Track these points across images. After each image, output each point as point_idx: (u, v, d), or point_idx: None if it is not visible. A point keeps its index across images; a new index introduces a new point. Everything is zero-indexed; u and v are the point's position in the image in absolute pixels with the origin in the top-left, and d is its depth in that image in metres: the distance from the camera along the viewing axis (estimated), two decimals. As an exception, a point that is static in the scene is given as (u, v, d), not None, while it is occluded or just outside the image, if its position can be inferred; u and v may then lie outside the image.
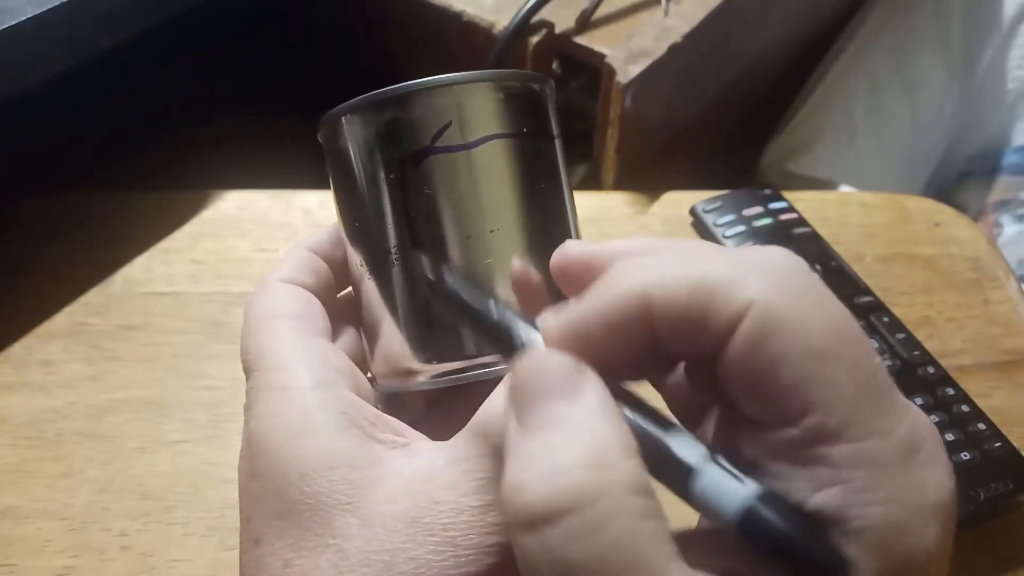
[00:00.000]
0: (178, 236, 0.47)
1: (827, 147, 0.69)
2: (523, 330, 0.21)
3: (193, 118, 0.53)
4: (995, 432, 0.37)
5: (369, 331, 0.27)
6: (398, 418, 0.25)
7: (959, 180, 0.85)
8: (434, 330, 0.25)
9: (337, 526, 0.22)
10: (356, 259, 0.27)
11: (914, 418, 0.17)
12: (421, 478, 0.22)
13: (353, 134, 0.26)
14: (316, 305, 0.27)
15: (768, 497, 0.17)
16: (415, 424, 0.26)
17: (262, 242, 0.47)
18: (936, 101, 0.78)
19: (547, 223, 0.26)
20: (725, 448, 0.18)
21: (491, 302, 0.24)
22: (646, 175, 0.52)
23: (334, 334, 0.28)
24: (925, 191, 0.79)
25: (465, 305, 0.24)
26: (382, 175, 0.25)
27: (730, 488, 0.17)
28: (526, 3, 0.46)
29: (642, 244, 0.20)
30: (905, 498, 0.17)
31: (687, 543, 0.17)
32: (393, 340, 0.26)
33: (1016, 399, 0.41)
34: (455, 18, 0.49)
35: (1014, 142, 0.83)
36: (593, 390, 0.18)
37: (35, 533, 0.35)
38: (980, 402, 0.38)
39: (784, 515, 0.17)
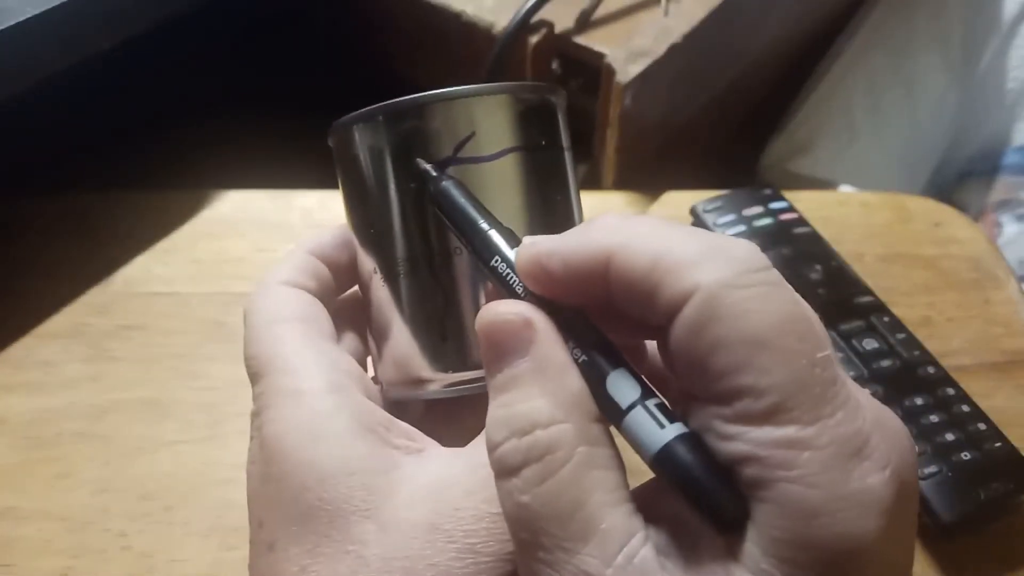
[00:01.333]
0: (177, 236, 0.47)
1: (827, 147, 0.69)
2: (507, 256, 0.22)
3: (193, 118, 0.52)
4: (995, 432, 0.37)
5: (379, 336, 0.27)
6: (403, 419, 0.25)
7: (959, 180, 0.85)
8: (449, 341, 0.25)
9: (355, 532, 0.22)
10: (369, 265, 0.27)
11: (858, 417, 0.18)
12: (440, 484, 0.22)
13: (370, 142, 0.26)
14: (321, 309, 0.27)
15: (686, 441, 0.18)
16: (413, 426, 0.26)
17: (261, 242, 0.47)
18: (936, 101, 0.78)
19: (559, 231, 0.27)
20: (680, 408, 0.20)
21: None
22: (646, 175, 0.52)
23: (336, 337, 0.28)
24: (925, 191, 0.79)
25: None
26: (400, 185, 0.25)
27: (651, 430, 0.18)
28: (526, 3, 0.46)
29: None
30: (821, 482, 0.17)
31: (644, 493, 0.19)
32: (406, 348, 0.26)
33: (1016, 399, 0.41)
34: (455, 18, 0.49)
35: (1014, 142, 0.83)
36: (543, 343, 0.20)
37: (35, 533, 0.35)
38: (980, 402, 0.38)
39: (694, 457, 0.18)
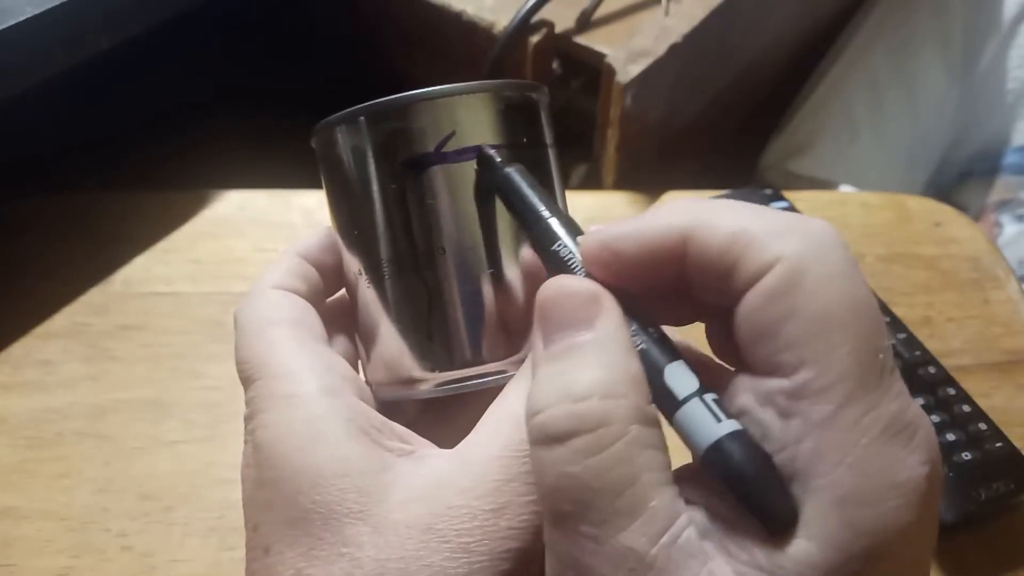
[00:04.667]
0: (178, 236, 0.47)
1: (827, 147, 0.69)
2: (568, 243, 0.22)
3: (193, 118, 0.52)
4: (996, 432, 0.37)
5: (367, 338, 0.27)
6: (396, 420, 0.25)
7: (959, 180, 0.85)
8: (436, 340, 0.25)
9: (349, 535, 0.22)
10: (354, 267, 0.27)
11: (910, 408, 0.18)
12: (433, 484, 0.22)
13: (352, 143, 0.26)
14: (311, 311, 0.27)
15: (740, 438, 0.18)
16: (408, 427, 0.26)
17: (261, 242, 0.47)
18: (936, 101, 0.78)
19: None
20: (722, 395, 0.20)
21: (492, 311, 0.24)
22: (646, 175, 0.52)
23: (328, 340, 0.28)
24: (925, 191, 0.79)
25: (467, 315, 0.25)
26: (383, 185, 0.25)
27: (706, 423, 0.19)
28: (526, 3, 0.46)
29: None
30: (873, 469, 0.17)
31: (682, 477, 0.19)
32: (394, 348, 0.26)
33: (1016, 399, 0.41)
34: (455, 18, 0.49)
35: (1014, 142, 0.83)
36: (609, 320, 0.20)
37: (35, 533, 0.35)
38: (981, 402, 0.38)
39: (749, 458, 0.18)
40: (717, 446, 0.18)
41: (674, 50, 0.47)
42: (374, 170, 0.25)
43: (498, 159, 0.25)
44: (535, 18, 0.47)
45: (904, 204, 0.52)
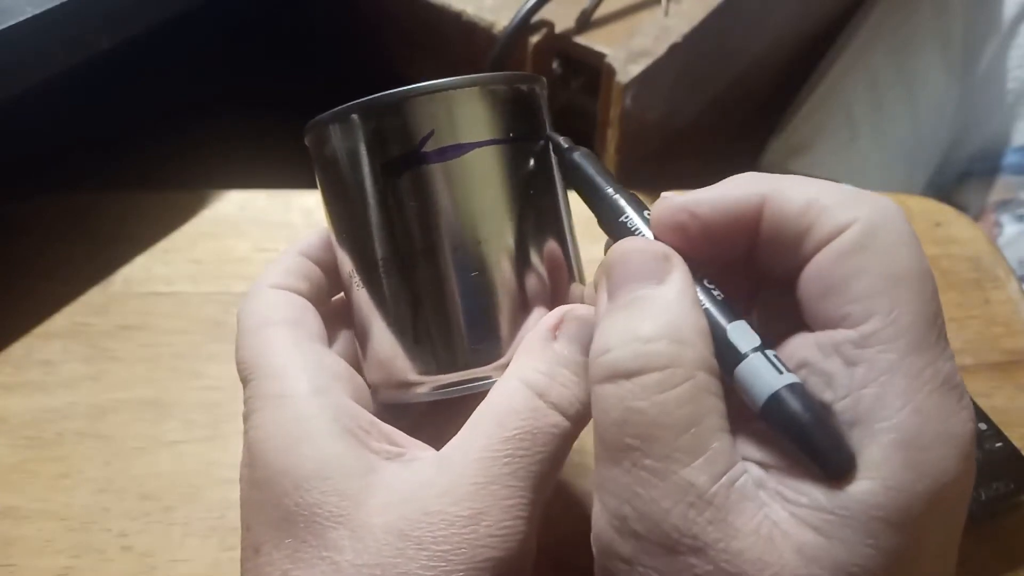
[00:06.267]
0: (178, 236, 0.47)
1: (827, 147, 0.69)
2: (632, 215, 0.24)
3: (193, 118, 0.52)
4: (996, 432, 0.37)
5: (362, 339, 0.27)
6: (399, 422, 0.25)
7: (959, 180, 0.85)
8: (431, 342, 0.25)
9: (330, 538, 0.22)
10: (347, 267, 0.26)
11: (957, 372, 0.20)
12: (412, 488, 0.22)
13: (340, 141, 0.25)
14: (310, 310, 0.27)
15: (798, 390, 0.19)
16: (416, 428, 0.25)
17: (262, 242, 0.47)
18: (936, 101, 0.78)
19: (540, 228, 0.26)
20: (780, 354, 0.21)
21: (483, 313, 0.24)
22: (646, 175, 0.52)
23: (330, 338, 0.28)
24: (925, 191, 0.79)
25: (458, 316, 0.24)
26: (370, 184, 0.25)
27: (766, 376, 0.20)
28: (526, 3, 0.46)
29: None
30: (932, 416, 0.18)
31: (735, 430, 0.20)
32: (387, 350, 0.26)
33: (1017, 399, 0.41)
34: (454, 18, 0.49)
35: (1014, 142, 0.83)
36: (679, 276, 0.21)
37: (35, 533, 0.35)
38: (981, 402, 0.38)
39: (809, 405, 0.19)
40: (778, 395, 0.19)
41: (674, 50, 0.47)
42: (360, 168, 0.25)
43: (565, 145, 0.26)
44: (535, 18, 0.47)
45: (904, 204, 0.52)
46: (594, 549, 0.21)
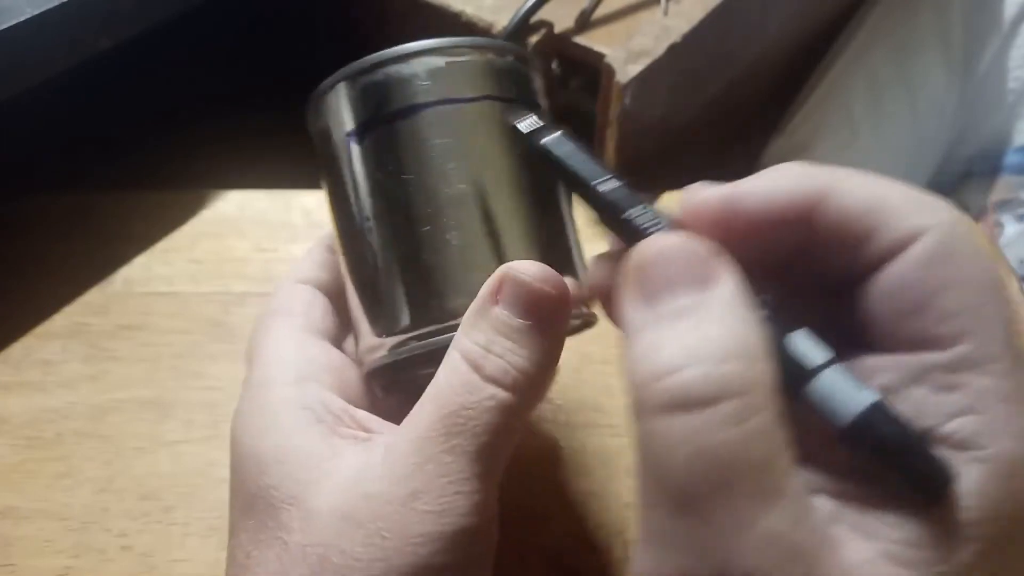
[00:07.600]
0: (178, 236, 0.47)
1: (827, 147, 0.69)
2: (637, 210, 0.20)
3: (193, 118, 0.52)
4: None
5: (350, 312, 0.28)
6: (400, 402, 0.25)
7: (959, 180, 0.85)
8: (378, 305, 0.25)
9: (283, 520, 0.22)
10: (336, 243, 0.28)
11: None
12: (359, 471, 0.23)
13: (324, 111, 0.27)
14: (318, 302, 0.28)
15: (886, 406, 0.17)
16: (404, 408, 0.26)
17: (262, 242, 0.47)
18: (936, 101, 0.78)
19: (510, 190, 0.26)
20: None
21: (432, 270, 0.24)
22: (646, 175, 0.52)
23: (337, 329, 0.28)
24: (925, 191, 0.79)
25: (406, 274, 0.24)
26: (340, 146, 0.26)
27: (850, 392, 0.17)
28: (525, 3, 0.46)
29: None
30: None
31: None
32: (356, 316, 0.27)
33: (1016, 399, 0.41)
34: (455, 18, 0.49)
35: (1014, 142, 0.83)
36: (731, 278, 0.18)
37: (35, 533, 0.35)
38: (980, 402, 0.38)
39: (902, 425, 0.17)
40: (869, 413, 0.17)
41: (673, 50, 0.47)
42: (336, 131, 0.26)
43: (541, 123, 0.23)
44: (534, 18, 0.47)
45: (904, 204, 0.52)
46: None
